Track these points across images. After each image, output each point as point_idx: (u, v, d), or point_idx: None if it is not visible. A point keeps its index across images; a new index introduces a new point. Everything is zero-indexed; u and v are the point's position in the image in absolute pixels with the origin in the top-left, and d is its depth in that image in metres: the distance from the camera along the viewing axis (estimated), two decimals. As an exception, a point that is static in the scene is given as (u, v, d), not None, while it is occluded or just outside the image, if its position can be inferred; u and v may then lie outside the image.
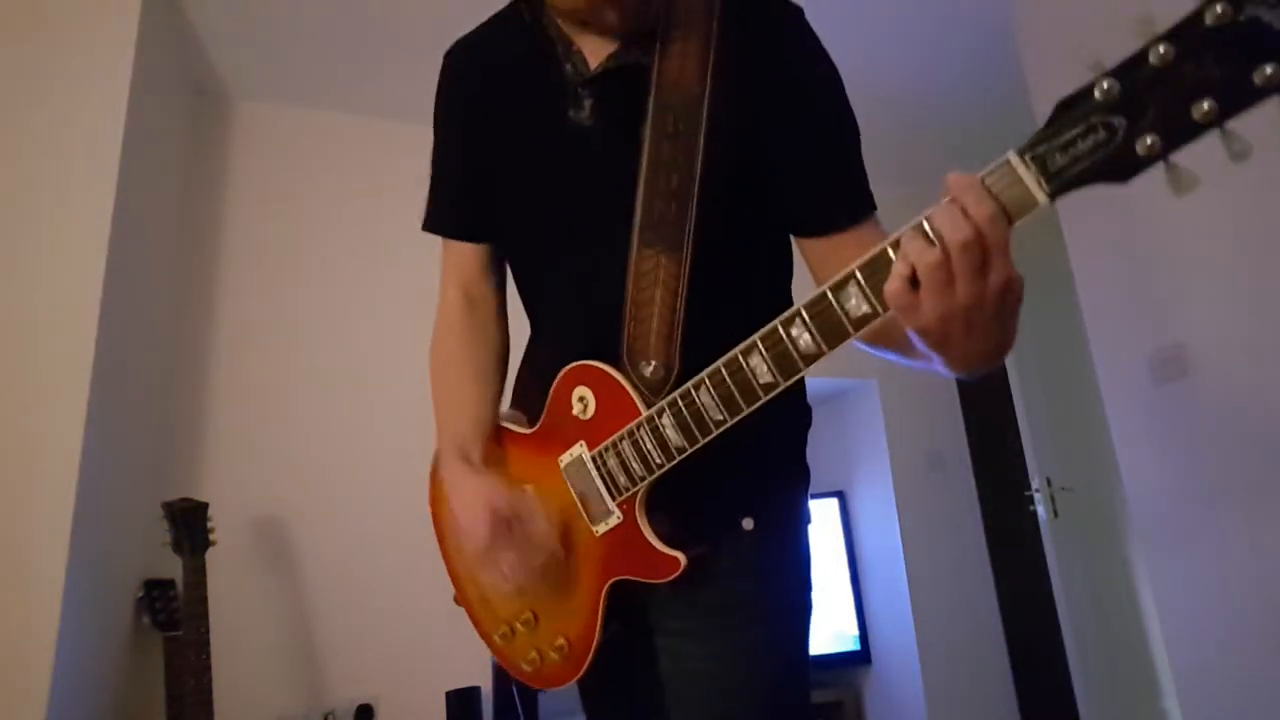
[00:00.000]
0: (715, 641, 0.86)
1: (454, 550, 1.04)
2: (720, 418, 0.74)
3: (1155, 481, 2.26)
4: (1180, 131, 0.50)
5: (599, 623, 0.89)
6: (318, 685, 2.50)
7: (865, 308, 0.64)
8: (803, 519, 0.94)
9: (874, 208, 0.86)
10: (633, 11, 0.84)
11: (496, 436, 0.98)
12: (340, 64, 2.86)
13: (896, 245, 0.61)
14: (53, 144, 2.10)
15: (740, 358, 0.72)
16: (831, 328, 0.66)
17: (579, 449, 0.87)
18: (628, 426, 0.82)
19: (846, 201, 0.85)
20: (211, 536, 2.21)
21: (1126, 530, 3.23)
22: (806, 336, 0.67)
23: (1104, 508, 3.27)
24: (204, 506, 2.23)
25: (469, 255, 1.03)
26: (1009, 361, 3.27)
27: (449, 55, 1.02)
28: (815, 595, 0.92)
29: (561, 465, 0.89)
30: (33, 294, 1.99)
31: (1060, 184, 0.55)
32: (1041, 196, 0.55)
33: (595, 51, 0.87)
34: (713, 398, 0.74)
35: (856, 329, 0.65)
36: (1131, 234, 2.34)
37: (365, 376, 2.81)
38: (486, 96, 0.96)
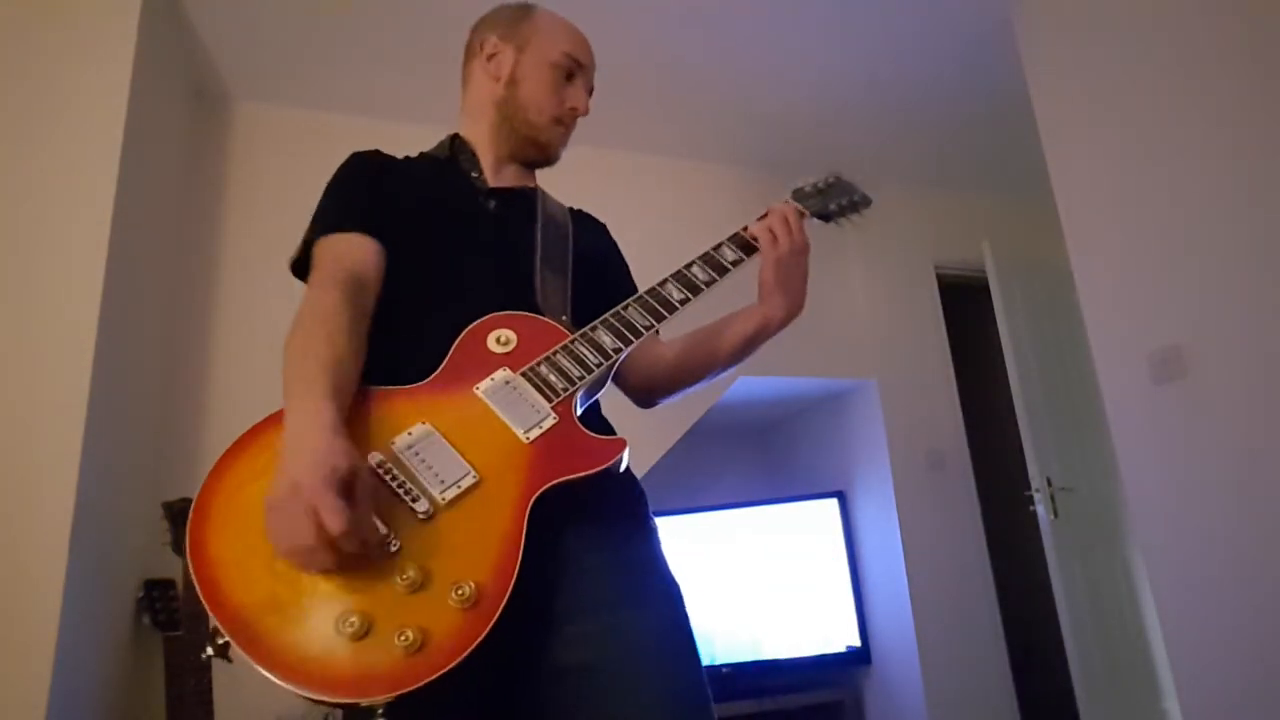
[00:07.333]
0: (659, 612, 0.95)
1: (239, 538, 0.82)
2: (647, 323, 1.05)
3: (1155, 481, 2.26)
4: (825, 214, 1.26)
5: (521, 543, 0.81)
6: (318, 685, 2.50)
7: (735, 256, 1.15)
8: None
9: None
10: (555, 156, 1.25)
11: (361, 396, 0.93)
12: (340, 64, 2.86)
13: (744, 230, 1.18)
14: (53, 144, 2.10)
15: (659, 286, 1.09)
16: (717, 266, 1.12)
17: (501, 374, 0.97)
18: (562, 342, 1.00)
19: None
20: (211, 536, 2.20)
21: (1126, 530, 3.23)
22: (699, 270, 1.11)
23: (1104, 508, 3.27)
24: (204, 506, 2.22)
25: (366, 248, 1.07)
26: (1009, 361, 3.27)
27: (358, 152, 1.20)
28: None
29: (479, 390, 0.95)
30: (33, 294, 2.00)
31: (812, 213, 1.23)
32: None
33: (494, 180, 1.20)
34: (640, 311, 1.06)
35: (733, 267, 1.14)
36: (1131, 234, 2.34)
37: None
38: (400, 173, 1.18)
